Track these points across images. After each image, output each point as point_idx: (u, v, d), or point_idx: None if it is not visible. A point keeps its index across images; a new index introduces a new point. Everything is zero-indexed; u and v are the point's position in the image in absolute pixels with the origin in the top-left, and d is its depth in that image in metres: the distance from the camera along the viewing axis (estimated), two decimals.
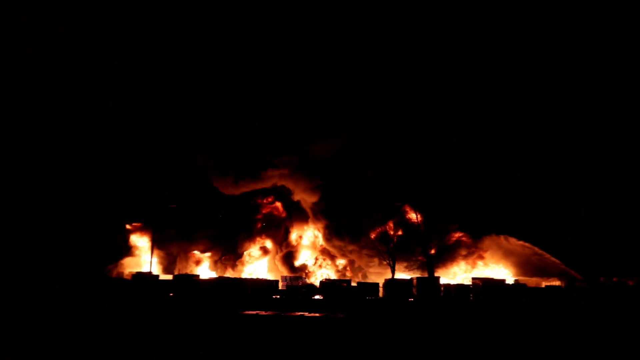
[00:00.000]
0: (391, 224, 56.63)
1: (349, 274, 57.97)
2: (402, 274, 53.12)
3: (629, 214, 52.30)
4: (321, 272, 59.07)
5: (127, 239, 58.11)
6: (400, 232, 54.21)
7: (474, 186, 60.20)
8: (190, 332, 24.93)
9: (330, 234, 58.49)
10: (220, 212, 62.73)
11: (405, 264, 51.70)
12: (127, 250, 57.76)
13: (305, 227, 63.36)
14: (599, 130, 62.87)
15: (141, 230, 58.39)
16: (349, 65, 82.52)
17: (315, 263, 60.08)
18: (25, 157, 63.63)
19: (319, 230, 61.05)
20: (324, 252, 60.91)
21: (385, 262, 54.19)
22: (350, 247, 57.53)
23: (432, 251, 51.57)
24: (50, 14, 70.97)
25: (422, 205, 56.02)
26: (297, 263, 60.12)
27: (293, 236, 63.36)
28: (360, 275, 58.54)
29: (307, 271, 58.84)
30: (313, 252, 61.76)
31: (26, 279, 50.40)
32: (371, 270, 56.59)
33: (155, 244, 53.65)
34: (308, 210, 61.96)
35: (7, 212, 54.06)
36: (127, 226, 58.74)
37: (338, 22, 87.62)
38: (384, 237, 55.15)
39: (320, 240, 61.32)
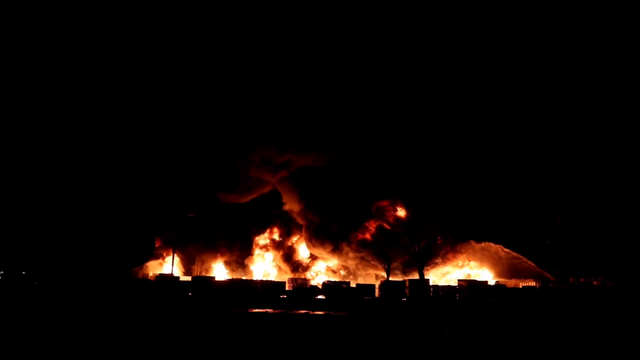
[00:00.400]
0: (373, 228, 56.98)
1: (338, 275, 58.01)
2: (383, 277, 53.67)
3: (628, 214, 52.29)
4: (316, 269, 59.39)
5: (153, 244, 58.75)
6: (381, 238, 54.36)
7: (474, 186, 60.26)
8: (190, 332, 24.95)
9: (311, 239, 59.00)
10: (233, 215, 63.27)
11: (385, 267, 52.00)
12: (151, 253, 58.16)
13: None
14: (599, 131, 62.91)
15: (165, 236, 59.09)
16: (349, 65, 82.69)
17: (310, 264, 60.30)
18: (25, 157, 63.66)
19: (303, 236, 61.62)
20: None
21: (369, 265, 55.01)
22: (332, 255, 58.03)
23: (415, 251, 51.85)
24: (50, 14, 71.04)
25: (414, 206, 56.10)
26: (295, 263, 60.51)
27: (292, 236, 63.75)
28: (351, 276, 58.70)
29: (302, 268, 59.27)
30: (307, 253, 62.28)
31: (26, 279, 50.39)
32: (358, 272, 56.86)
33: (177, 248, 53.87)
34: (295, 218, 62.93)
35: (7, 212, 54.00)
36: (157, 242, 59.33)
37: (338, 22, 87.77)
38: (364, 243, 55.63)
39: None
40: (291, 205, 62.54)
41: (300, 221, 61.89)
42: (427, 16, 77.86)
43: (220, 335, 24.46)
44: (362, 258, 56.14)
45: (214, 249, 60.88)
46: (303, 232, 60.97)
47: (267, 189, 63.91)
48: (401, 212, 58.78)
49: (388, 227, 56.18)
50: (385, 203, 60.01)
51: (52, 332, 22.91)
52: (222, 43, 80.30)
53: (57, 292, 46.39)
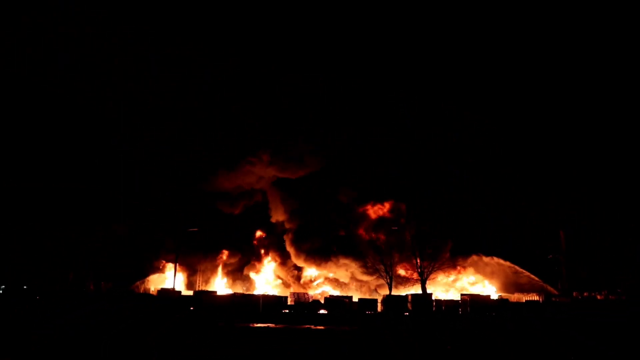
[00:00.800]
0: (363, 238, 55.68)
1: (336, 284, 57.21)
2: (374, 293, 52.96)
3: (628, 214, 52.21)
4: (311, 274, 58.54)
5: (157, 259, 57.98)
6: (370, 255, 52.88)
7: (474, 186, 60.15)
8: (191, 332, 24.92)
9: (296, 255, 57.88)
10: (234, 223, 62.19)
11: (387, 281, 51.27)
12: (153, 267, 57.37)
13: None
14: (599, 131, 62.89)
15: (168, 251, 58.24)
16: (349, 65, 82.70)
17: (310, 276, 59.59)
18: (25, 157, 63.62)
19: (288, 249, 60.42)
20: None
21: (361, 281, 54.53)
22: (320, 269, 57.32)
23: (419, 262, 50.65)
24: (50, 14, 71.05)
25: (414, 209, 54.74)
26: (295, 274, 59.74)
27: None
28: (353, 284, 57.72)
29: (300, 280, 58.57)
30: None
31: (26, 279, 50.33)
32: (352, 285, 56.18)
33: (178, 260, 53.13)
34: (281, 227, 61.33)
35: (7, 212, 53.90)
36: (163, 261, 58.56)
37: (338, 22, 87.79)
38: (352, 259, 54.65)
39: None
40: (277, 215, 61.11)
41: (285, 232, 60.07)
42: (427, 16, 77.86)
43: (220, 336, 24.44)
44: (352, 274, 55.50)
45: (215, 260, 60.03)
46: (287, 246, 59.11)
47: (257, 197, 63.02)
48: (389, 213, 57.11)
49: (380, 241, 54.23)
50: (369, 207, 57.73)
51: (52, 332, 22.88)
52: (222, 43, 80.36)
53: (57, 292, 46.37)
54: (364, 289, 55.55)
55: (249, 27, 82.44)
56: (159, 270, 58.31)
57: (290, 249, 58.48)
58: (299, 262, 58.19)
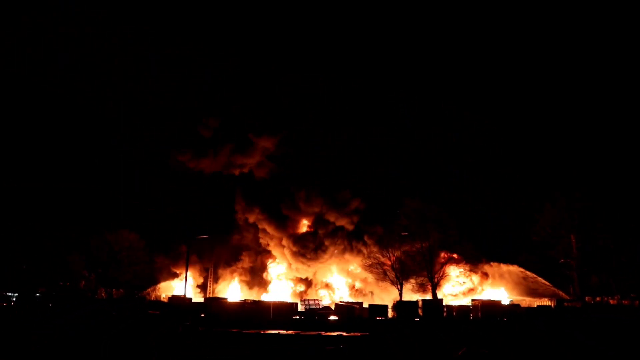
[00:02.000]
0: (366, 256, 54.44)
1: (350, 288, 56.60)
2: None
3: (628, 214, 52.05)
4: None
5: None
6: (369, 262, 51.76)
7: (474, 186, 60.10)
8: (191, 332, 24.90)
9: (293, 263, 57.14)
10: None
11: (398, 288, 50.47)
12: (163, 274, 56.67)
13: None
14: (599, 131, 62.88)
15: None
16: (349, 65, 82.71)
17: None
18: (25, 157, 63.64)
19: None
20: None
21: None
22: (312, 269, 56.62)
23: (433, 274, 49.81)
24: (50, 14, 71.04)
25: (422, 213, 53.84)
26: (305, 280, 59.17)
27: None
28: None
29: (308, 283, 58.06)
30: None
31: (26, 279, 50.22)
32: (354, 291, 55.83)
33: (189, 266, 52.43)
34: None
35: (7, 212, 53.83)
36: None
37: (338, 23, 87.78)
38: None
39: None
40: (244, 212, 57.81)
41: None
42: (426, 17, 77.88)
43: (220, 336, 24.41)
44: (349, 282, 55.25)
45: (226, 265, 59.20)
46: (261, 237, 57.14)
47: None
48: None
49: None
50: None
51: (52, 332, 22.87)
52: (222, 43, 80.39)
53: (57, 292, 46.34)
54: (375, 295, 54.87)
55: (248, 28, 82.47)
56: (170, 277, 57.74)
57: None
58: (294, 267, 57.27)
